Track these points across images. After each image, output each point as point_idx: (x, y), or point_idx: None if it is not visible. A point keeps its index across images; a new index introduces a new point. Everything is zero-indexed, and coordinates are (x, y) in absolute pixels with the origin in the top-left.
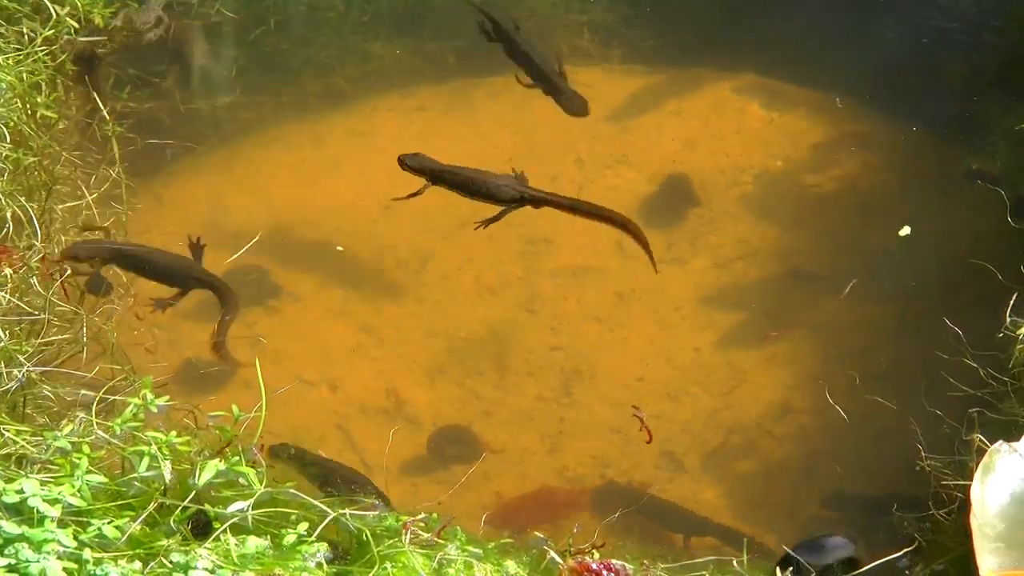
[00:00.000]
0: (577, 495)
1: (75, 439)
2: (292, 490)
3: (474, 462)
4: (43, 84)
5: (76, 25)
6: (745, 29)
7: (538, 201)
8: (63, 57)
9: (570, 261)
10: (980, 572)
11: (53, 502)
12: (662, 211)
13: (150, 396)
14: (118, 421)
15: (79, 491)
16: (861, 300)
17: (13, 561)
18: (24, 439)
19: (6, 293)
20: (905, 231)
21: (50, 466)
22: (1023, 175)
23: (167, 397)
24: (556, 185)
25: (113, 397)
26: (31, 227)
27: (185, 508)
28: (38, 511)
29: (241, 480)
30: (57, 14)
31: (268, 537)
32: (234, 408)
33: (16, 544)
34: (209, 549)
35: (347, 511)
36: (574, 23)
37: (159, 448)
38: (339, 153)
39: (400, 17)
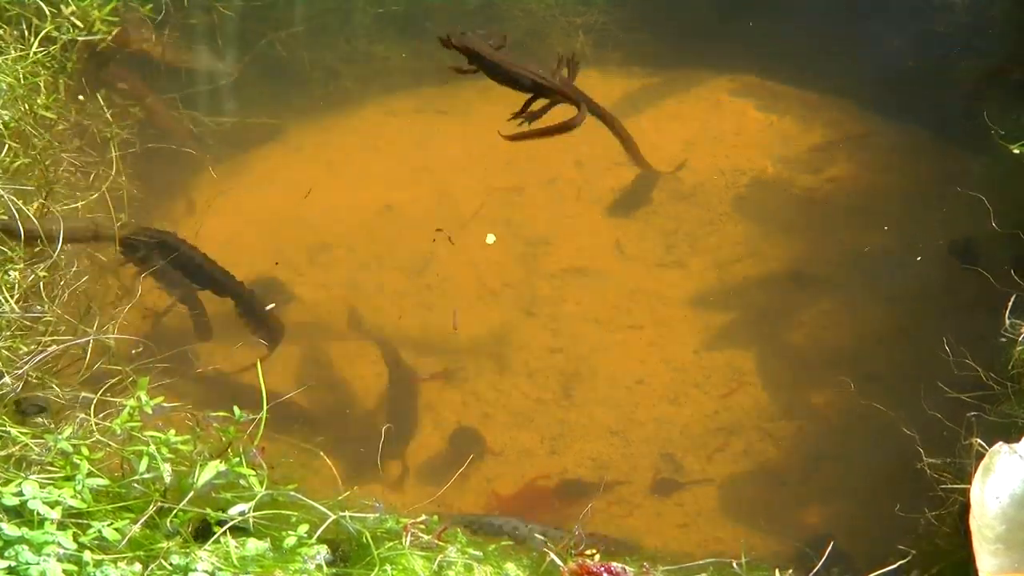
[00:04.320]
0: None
1: (76, 441)
2: (293, 492)
3: (476, 463)
4: (42, 85)
5: (80, 24)
6: (744, 31)
7: (549, 92)
8: (54, 50)
9: (570, 263)
10: (979, 574)
11: (53, 504)
12: (627, 207)
13: (144, 397)
14: (117, 421)
15: (79, 493)
16: (861, 302)
17: (13, 563)
18: (26, 440)
19: (12, 299)
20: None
21: (49, 468)
22: (1019, 177)
23: (162, 398)
24: (555, 187)
25: (113, 399)
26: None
27: (185, 510)
28: (38, 513)
29: (241, 482)
30: (60, 12)
31: (268, 539)
32: (235, 409)
33: (16, 546)
34: (209, 551)
35: (347, 513)
36: (570, 25)
37: (158, 448)
38: (340, 154)
39: (400, 20)
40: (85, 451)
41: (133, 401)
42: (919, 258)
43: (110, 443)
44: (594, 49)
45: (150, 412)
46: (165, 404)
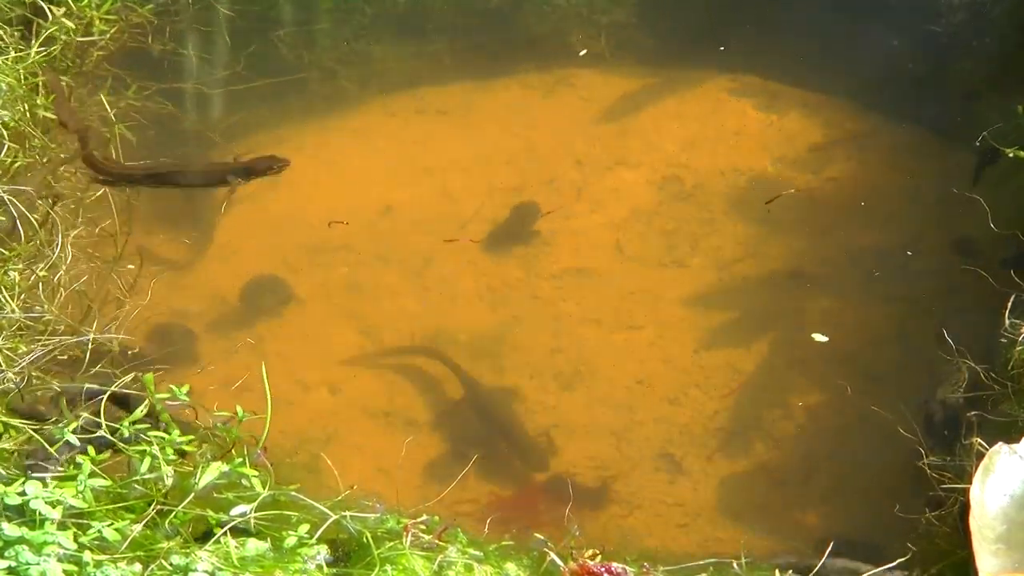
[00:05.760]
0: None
1: (81, 437)
2: (294, 492)
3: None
4: (41, 86)
5: (72, 26)
6: (744, 31)
7: None
8: (54, 50)
9: (569, 263)
10: (979, 574)
11: (55, 504)
12: (505, 237)
13: (175, 388)
14: (125, 422)
15: (81, 493)
16: (861, 302)
17: (14, 563)
18: (27, 434)
19: (13, 299)
20: (821, 338)
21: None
22: (1018, 177)
23: (167, 395)
24: (555, 187)
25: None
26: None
27: (186, 511)
28: (39, 513)
29: (243, 481)
30: (53, 14)
31: (268, 539)
32: (238, 409)
33: (16, 546)
34: (209, 551)
35: (348, 513)
36: (576, 14)
37: (161, 448)
38: (340, 154)
39: (400, 20)
40: (91, 451)
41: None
42: (915, 255)
43: (116, 442)
44: (594, 47)
45: (179, 401)
46: (171, 402)
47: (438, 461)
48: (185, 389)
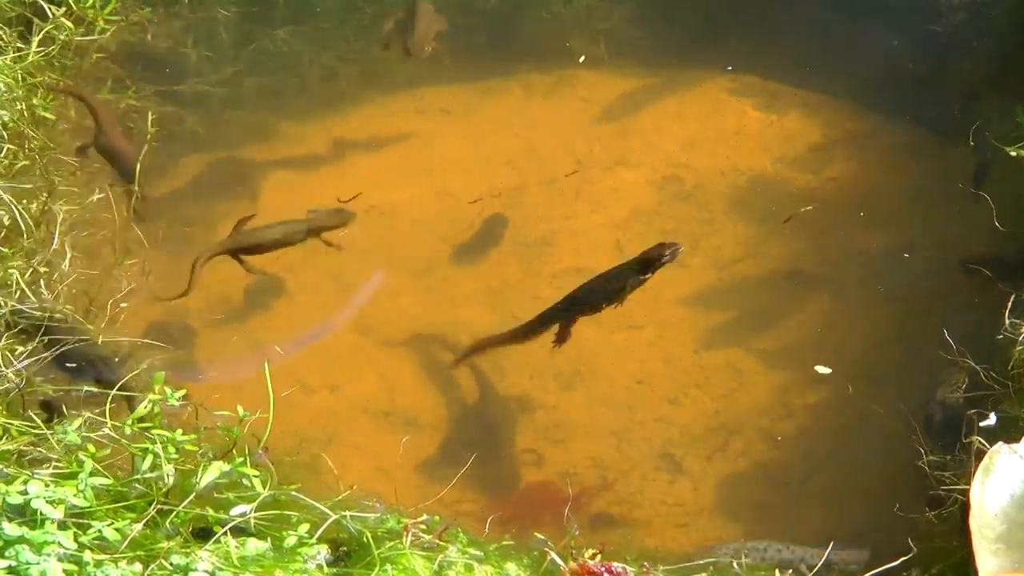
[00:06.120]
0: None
1: (85, 433)
2: (294, 492)
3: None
4: (40, 86)
5: (71, 26)
6: (744, 31)
7: None
8: (53, 50)
9: (570, 263)
10: (980, 574)
11: (56, 503)
12: (475, 248)
13: (169, 391)
14: (128, 420)
15: (82, 492)
16: (861, 302)
17: (14, 563)
18: (29, 435)
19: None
20: (824, 370)
21: (56, 465)
22: (1018, 177)
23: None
24: (555, 187)
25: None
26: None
27: (186, 511)
28: (40, 513)
29: (244, 481)
30: (53, 14)
31: (269, 539)
32: (239, 409)
33: (17, 546)
34: (209, 551)
35: (348, 513)
36: (573, 19)
37: (163, 446)
38: (340, 155)
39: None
40: (92, 448)
41: (154, 395)
42: (915, 256)
43: (120, 439)
44: (594, 48)
45: (177, 404)
46: (176, 403)
47: (438, 461)
48: (180, 393)
